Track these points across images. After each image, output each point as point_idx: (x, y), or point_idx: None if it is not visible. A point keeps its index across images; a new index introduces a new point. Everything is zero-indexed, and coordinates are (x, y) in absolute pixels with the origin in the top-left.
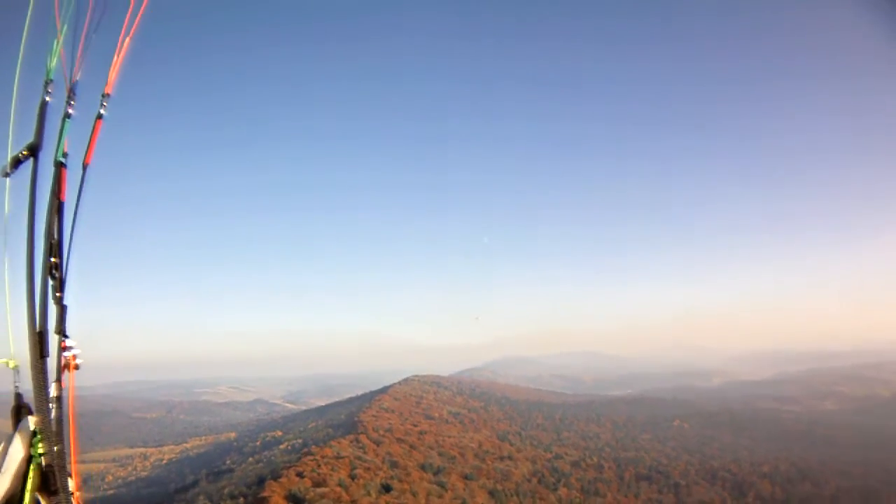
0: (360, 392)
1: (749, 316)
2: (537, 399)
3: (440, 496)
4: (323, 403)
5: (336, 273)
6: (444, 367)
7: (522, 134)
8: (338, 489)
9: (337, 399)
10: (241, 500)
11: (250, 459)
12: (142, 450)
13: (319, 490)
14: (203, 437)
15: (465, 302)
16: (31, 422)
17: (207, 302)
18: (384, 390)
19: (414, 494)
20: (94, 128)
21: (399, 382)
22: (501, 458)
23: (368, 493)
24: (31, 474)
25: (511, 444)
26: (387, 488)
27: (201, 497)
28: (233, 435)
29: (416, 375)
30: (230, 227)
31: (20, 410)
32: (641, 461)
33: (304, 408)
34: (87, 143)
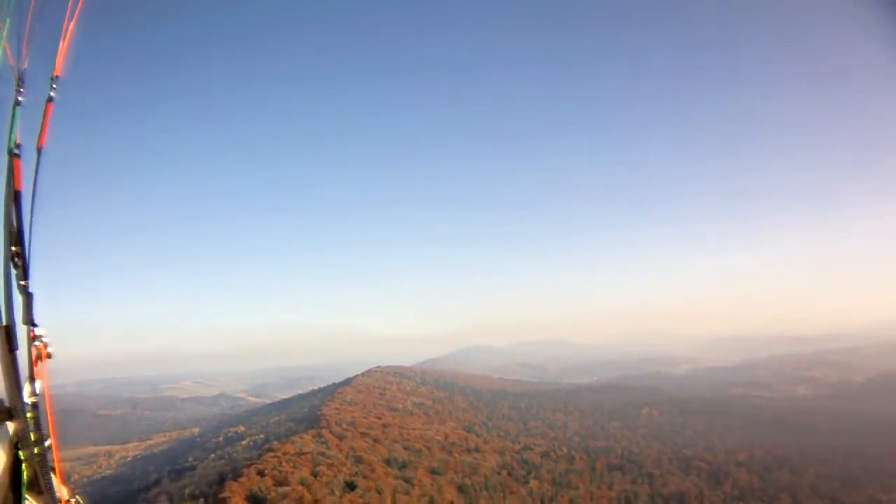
0: (322, 384)
1: (714, 301)
2: (502, 388)
3: (406, 493)
4: (286, 396)
5: (298, 266)
6: (406, 357)
7: (484, 116)
8: (300, 488)
9: (300, 392)
10: (202, 500)
11: (212, 456)
12: (107, 447)
13: (281, 489)
14: (167, 434)
15: (427, 292)
16: (10, 427)
17: (170, 299)
18: (347, 382)
19: (379, 492)
20: (45, 111)
21: (362, 374)
22: (468, 451)
23: (332, 492)
24: (24, 477)
25: (478, 436)
26: (351, 486)
27: (163, 497)
28: (196, 430)
29: (379, 367)
30: (192, 225)
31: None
32: (612, 450)
33: (267, 401)
34: (38, 128)
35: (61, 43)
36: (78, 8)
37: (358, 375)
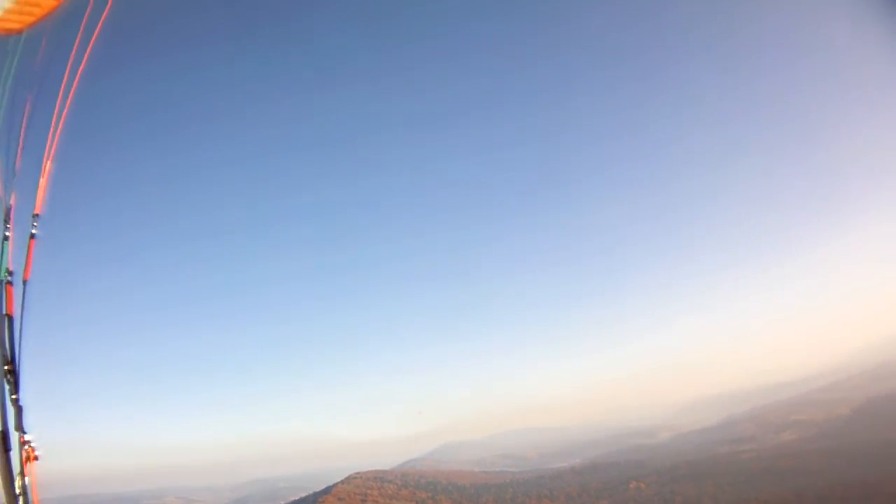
0: (303, 494)
1: (684, 364)
2: (485, 482)
3: None
4: None
5: (272, 376)
6: (385, 460)
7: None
8: None
9: (281, 503)
10: None
11: None
12: None
13: None
14: None
15: (398, 392)
16: None
17: (152, 413)
18: (327, 491)
19: None
20: (28, 247)
21: (341, 482)
22: None
23: None
24: None
25: None
26: None
27: None
28: None
29: (359, 472)
30: (172, 341)
31: None
32: None
33: None
34: (24, 261)
35: (41, 180)
36: (53, 146)
37: (338, 483)
